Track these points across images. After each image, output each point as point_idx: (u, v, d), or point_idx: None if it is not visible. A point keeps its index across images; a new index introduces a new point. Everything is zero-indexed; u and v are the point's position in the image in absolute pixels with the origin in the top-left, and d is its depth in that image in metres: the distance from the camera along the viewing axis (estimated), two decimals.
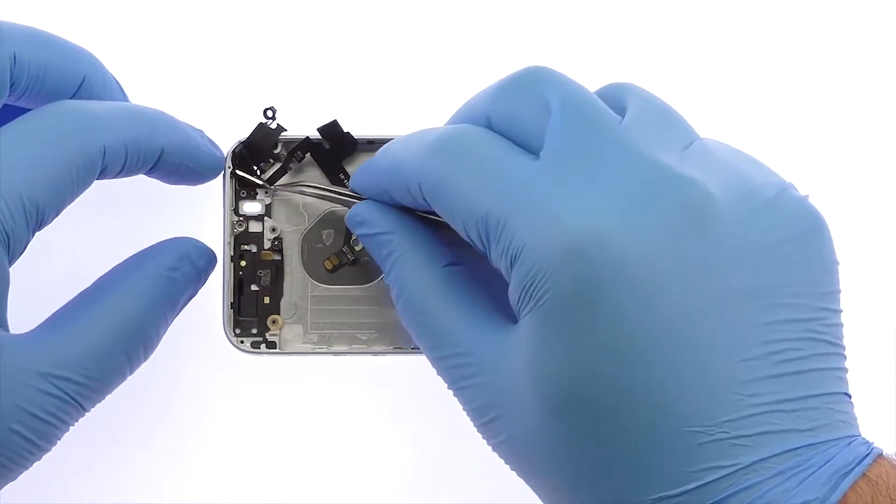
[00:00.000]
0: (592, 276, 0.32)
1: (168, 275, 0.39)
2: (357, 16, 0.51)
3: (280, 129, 0.42)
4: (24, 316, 0.38)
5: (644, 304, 0.32)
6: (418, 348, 0.42)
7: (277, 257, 0.43)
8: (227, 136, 0.43)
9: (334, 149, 0.43)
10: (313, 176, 0.43)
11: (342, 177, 0.43)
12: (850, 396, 0.35)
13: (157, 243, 0.40)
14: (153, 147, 0.39)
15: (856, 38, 0.52)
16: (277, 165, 0.43)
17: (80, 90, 0.40)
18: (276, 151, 0.43)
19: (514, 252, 0.34)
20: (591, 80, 0.46)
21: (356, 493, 0.50)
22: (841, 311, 0.35)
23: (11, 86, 0.38)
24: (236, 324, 0.43)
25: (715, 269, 0.33)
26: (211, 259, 0.41)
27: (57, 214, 0.37)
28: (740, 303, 0.33)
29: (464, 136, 0.36)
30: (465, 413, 0.37)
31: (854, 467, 0.33)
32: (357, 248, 0.43)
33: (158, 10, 0.51)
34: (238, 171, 0.42)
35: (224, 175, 0.42)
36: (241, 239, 0.43)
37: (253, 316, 0.43)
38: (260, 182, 0.43)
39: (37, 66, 0.39)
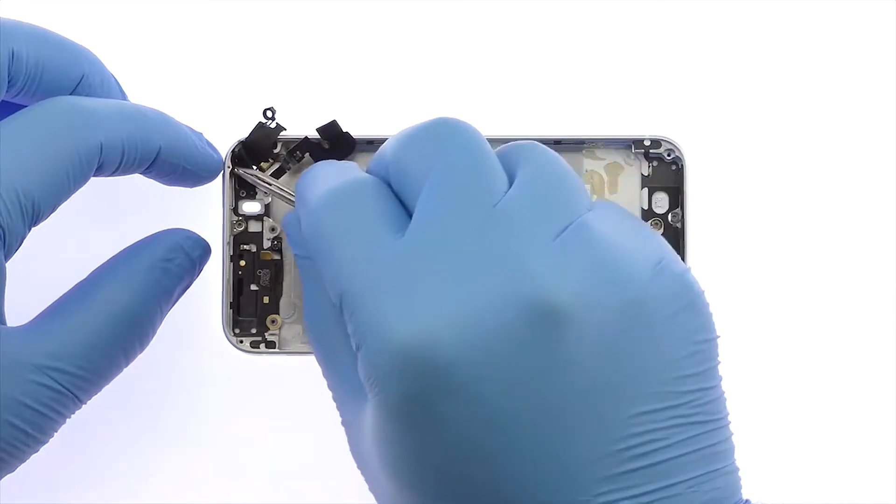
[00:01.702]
0: (420, 386, 0.32)
1: (162, 266, 0.39)
2: (357, 16, 0.51)
3: (279, 128, 0.42)
4: (26, 317, 0.38)
5: (474, 415, 0.32)
6: None
7: (277, 257, 0.43)
8: (227, 136, 0.43)
9: (333, 149, 0.43)
10: None
11: None
12: (728, 464, 0.34)
13: (151, 235, 0.40)
14: (150, 146, 0.39)
15: (856, 39, 0.52)
16: (277, 165, 0.43)
17: (78, 87, 0.40)
18: (275, 151, 0.43)
19: (356, 342, 0.34)
20: (589, 81, 0.47)
21: (356, 494, 0.50)
22: (717, 384, 0.34)
23: (9, 82, 0.38)
24: (235, 323, 0.43)
25: (560, 374, 0.32)
26: (205, 249, 0.41)
27: (53, 210, 0.37)
28: (591, 403, 0.32)
29: (350, 197, 0.36)
30: None
31: None
32: None
33: (158, 10, 0.51)
34: (238, 171, 0.42)
35: (223, 175, 0.42)
36: (240, 239, 0.43)
37: (252, 316, 0.43)
38: (260, 178, 0.43)
39: (35, 62, 0.39)
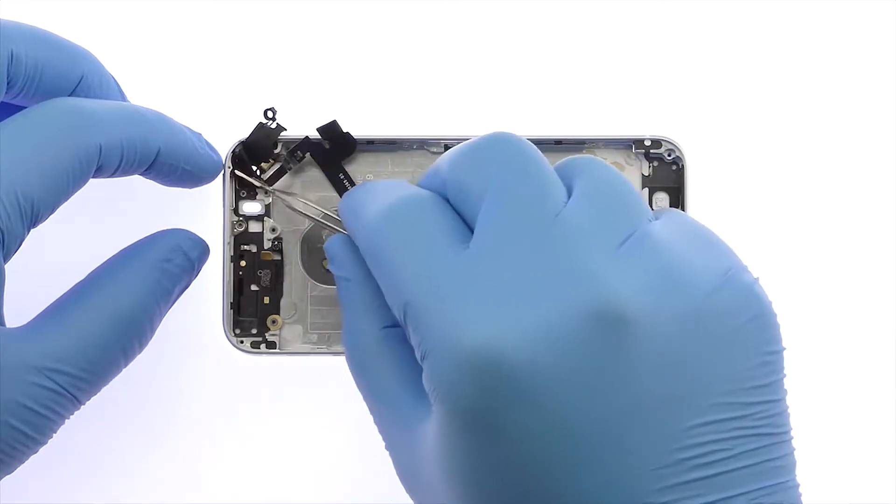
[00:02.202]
0: (489, 394, 0.32)
1: (162, 266, 0.39)
2: (357, 16, 0.51)
3: (280, 128, 0.42)
4: (26, 317, 0.38)
5: (545, 423, 0.32)
6: None
7: (277, 257, 0.43)
8: (228, 136, 0.43)
9: (334, 149, 0.43)
10: (314, 177, 0.43)
11: (341, 177, 0.43)
12: (789, 480, 0.34)
13: (150, 235, 0.40)
14: (150, 147, 0.39)
15: (856, 39, 0.52)
16: (277, 165, 0.43)
17: (77, 88, 0.40)
18: (276, 151, 0.43)
19: (423, 352, 0.34)
20: (589, 82, 0.47)
21: (356, 494, 0.50)
22: (782, 397, 0.34)
23: (8, 84, 0.38)
24: (236, 324, 0.43)
25: (627, 382, 0.32)
26: (204, 250, 0.41)
27: (52, 212, 0.37)
28: (656, 411, 0.32)
29: (410, 210, 0.36)
30: None
31: None
32: None
33: (158, 10, 0.51)
34: (237, 172, 0.42)
35: (224, 175, 0.42)
36: (240, 239, 0.43)
37: (253, 316, 0.43)
38: (258, 184, 0.43)
39: (34, 64, 0.39)
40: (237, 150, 0.42)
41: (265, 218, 0.43)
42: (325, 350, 0.43)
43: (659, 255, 0.33)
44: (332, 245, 0.40)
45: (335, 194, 0.43)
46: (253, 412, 0.50)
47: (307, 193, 0.43)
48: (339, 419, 0.50)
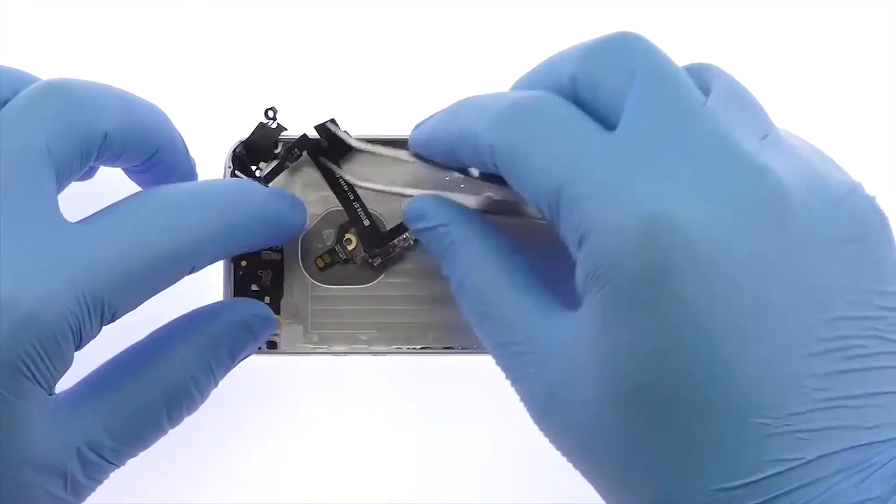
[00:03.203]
0: (662, 262, 0.32)
1: (225, 343, 0.39)
2: (356, 16, 0.51)
3: (280, 128, 0.42)
4: None
5: (713, 294, 0.32)
6: (418, 349, 0.42)
7: (277, 257, 0.43)
8: (227, 136, 0.43)
9: (332, 147, 0.43)
10: (313, 177, 0.43)
11: (338, 176, 0.43)
12: None
13: (217, 304, 0.40)
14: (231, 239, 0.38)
15: (856, 39, 0.52)
16: (274, 163, 0.43)
17: (150, 159, 0.39)
18: (276, 151, 0.43)
19: (584, 230, 0.33)
20: None
21: (355, 494, 0.50)
22: None
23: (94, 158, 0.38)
24: None
25: (787, 263, 0.32)
26: (272, 326, 0.41)
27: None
28: (809, 297, 0.32)
29: (539, 103, 0.36)
30: (522, 404, 0.36)
31: None
32: (350, 248, 0.43)
33: (158, 10, 0.51)
34: (238, 172, 0.42)
35: (224, 176, 0.42)
36: None
37: None
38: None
39: (121, 144, 0.38)
40: (238, 150, 0.42)
41: None
42: (326, 350, 0.43)
43: (797, 155, 0.34)
44: (418, 204, 0.39)
45: (334, 194, 0.43)
46: (253, 412, 0.50)
47: (307, 193, 0.43)
48: (340, 419, 0.50)
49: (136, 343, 0.39)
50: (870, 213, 0.34)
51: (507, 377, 0.37)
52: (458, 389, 0.50)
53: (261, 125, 0.42)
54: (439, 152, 0.39)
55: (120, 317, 0.36)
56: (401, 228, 0.42)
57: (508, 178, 0.36)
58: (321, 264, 0.43)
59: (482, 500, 0.50)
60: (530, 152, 0.35)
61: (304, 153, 0.43)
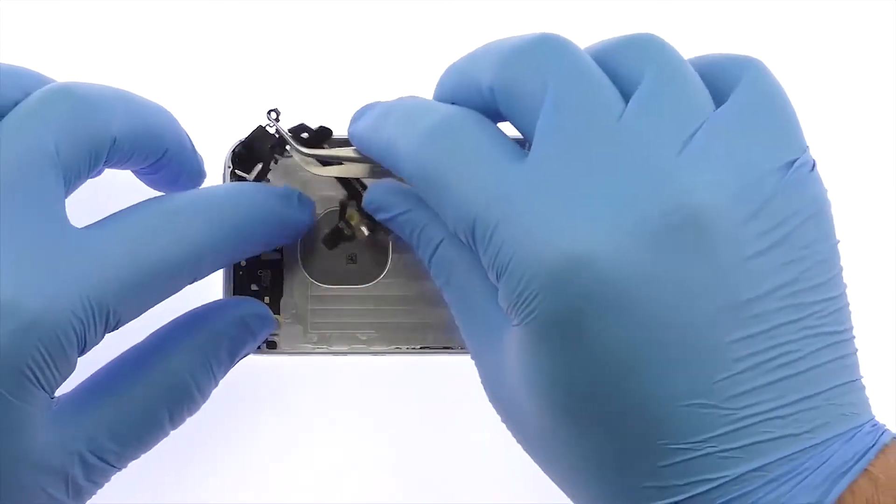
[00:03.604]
0: (577, 303, 0.32)
1: (227, 344, 0.39)
2: (356, 16, 0.51)
3: (276, 137, 0.42)
4: None
5: (631, 327, 0.32)
6: (418, 349, 0.43)
7: (277, 257, 0.43)
8: (226, 136, 0.43)
9: (312, 137, 0.42)
10: (306, 178, 0.43)
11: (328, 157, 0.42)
12: (858, 379, 0.34)
13: (215, 303, 0.40)
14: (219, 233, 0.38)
15: (856, 39, 0.52)
16: (260, 165, 0.42)
17: (159, 161, 0.39)
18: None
19: (500, 266, 0.33)
20: None
21: (355, 494, 0.50)
22: (842, 292, 0.34)
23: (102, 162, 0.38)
24: None
25: (708, 283, 0.32)
26: (271, 325, 0.41)
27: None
28: (736, 315, 0.32)
29: (456, 127, 0.35)
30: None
31: (853, 465, 0.32)
32: (353, 222, 0.42)
33: (158, 9, 0.51)
34: (237, 171, 0.42)
35: (224, 175, 0.42)
36: None
37: None
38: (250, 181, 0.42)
39: (130, 148, 0.38)
40: (237, 149, 0.42)
41: None
42: (325, 350, 0.43)
43: (726, 149, 0.33)
44: (372, 197, 0.40)
45: (333, 193, 0.43)
46: (252, 412, 0.50)
47: (306, 193, 0.43)
48: (340, 419, 0.50)
49: (136, 345, 0.39)
50: (804, 200, 0.33)
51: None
52: (458, 389, 0.50)
53: (259, 127, 0.42)
54: (374, 158, 0.39)
55: (123, 325, 0.36)
56: None
57: (430, 204, 0.36)
58: (328, 244, 0.42)
59: (482, 500, 0.50)
60: (444, 184, 0.35)
61: (288, 148, 0.42)
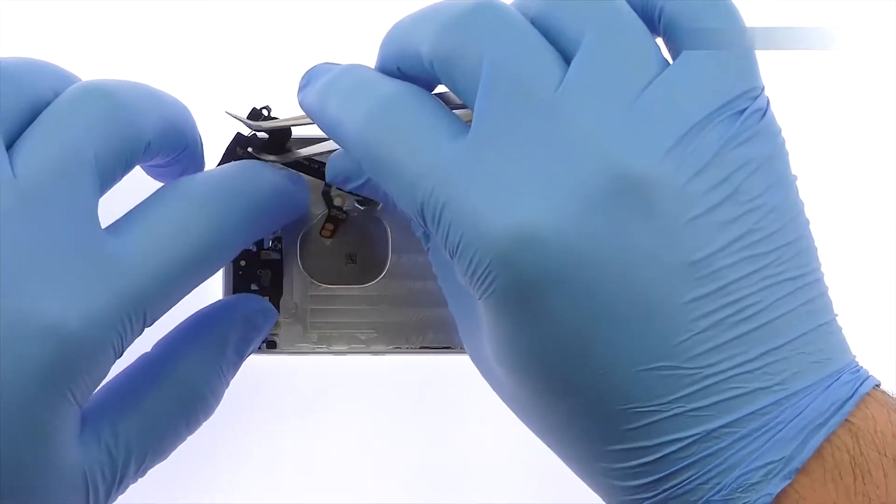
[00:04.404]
0: (526, 275, 0.32)
1: (233, 344, 0.39)
2: (355, 16, 0.51)
3: (253, 135, 0.42)
4: None
5: (583, 297, 0.32)
6: (418, 349, 0.43)
7: (277, 257, 0.43)
8: (225, 135, 0.43)
9: (273, 137, 0.42)
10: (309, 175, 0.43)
11: (294, 158, 0.42)
12: (829, 321, 0.33)
13: (222, 302, 0.40)
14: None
15: (856, 38, 0.52)
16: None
17: (176, 157, 0.39)
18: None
19: (451, 247, 0.33)
20: None
21: (355, 494, 0.50)
22: (802, 234, 0.33)
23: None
24: None
25: (654, 249, 0.32)
26: (274, 319, 0.41)
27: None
28: (686, 276, 0.32)
29: (396, 109, 0.35)
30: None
31: (830, 416, 0.32)
32: (341, 203, 0.42)
33: (158, 9, 0.51)
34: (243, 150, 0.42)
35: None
36: None
37: None
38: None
39: (158, 149, 0.37)
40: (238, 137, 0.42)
41: None
42: (325, 350, 0.43)
43: (668, 109, 0.32)
44: (333, 168, 0.40)
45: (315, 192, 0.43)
46: (252, 412, 0.50)
47: None
48: (340, 419, 0.50)
49: (147, 354, 0.38)
50: (758, 147, 0.33)
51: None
52: (458, 389, 0.50)
53: (238, 135, 0.42)
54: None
55: (157, 320, 0.36)
56: None
57: (381, 187, 0.36)
58: (328, 233, 0.42)
59: (482, 500, 0.50)
60: (388, 169, 0.35)
61: (249, 150, 0.42)
